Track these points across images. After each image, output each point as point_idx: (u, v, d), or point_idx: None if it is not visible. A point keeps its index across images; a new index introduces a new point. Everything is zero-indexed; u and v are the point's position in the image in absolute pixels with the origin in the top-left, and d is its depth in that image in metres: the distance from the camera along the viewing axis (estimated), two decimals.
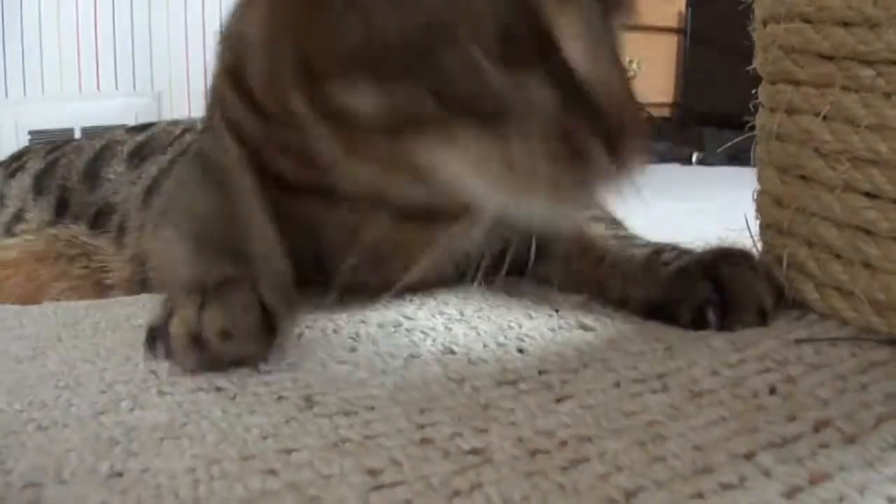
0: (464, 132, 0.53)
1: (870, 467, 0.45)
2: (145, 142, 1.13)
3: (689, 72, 2.77)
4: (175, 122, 1.18)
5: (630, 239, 0.80)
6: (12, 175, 1.17)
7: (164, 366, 0.63)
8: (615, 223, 0.86)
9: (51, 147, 1.24)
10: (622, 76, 0.55)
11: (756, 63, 0.74)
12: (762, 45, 0.73)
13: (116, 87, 2.40)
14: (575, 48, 0.52)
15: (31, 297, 1.00)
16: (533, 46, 0.52)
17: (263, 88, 0.63)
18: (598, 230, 0.82)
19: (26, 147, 1.33)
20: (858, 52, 0.63)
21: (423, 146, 0.55)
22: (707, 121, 2.50)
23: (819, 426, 0.49)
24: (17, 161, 1.21)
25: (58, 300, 0.98)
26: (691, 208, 1.61)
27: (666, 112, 2.80)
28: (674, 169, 2.55)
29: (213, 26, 2.42)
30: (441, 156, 0.55)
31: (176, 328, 0.59)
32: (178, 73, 2.43)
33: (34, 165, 1.17)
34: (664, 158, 2.63)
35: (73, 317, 0.79)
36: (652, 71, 2.78)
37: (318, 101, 0.57)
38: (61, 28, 2.33)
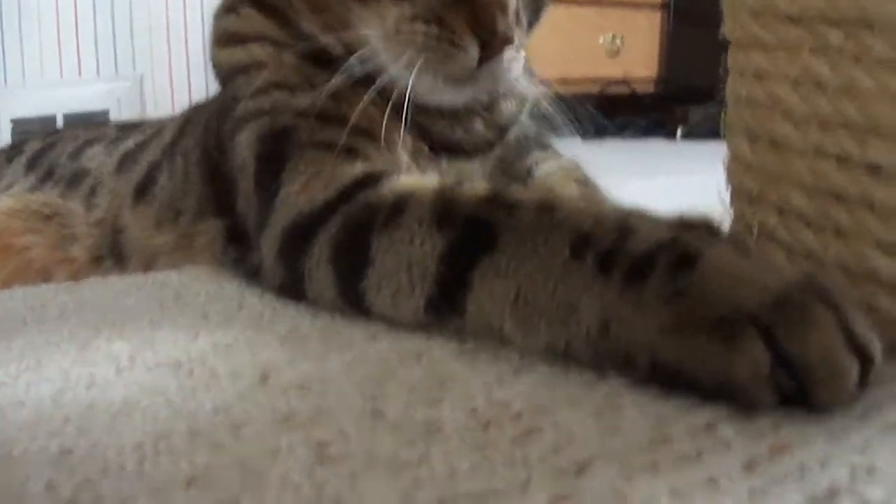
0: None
1: (833, 438, 0.44)
2: (126, 134, 1.17)
3: (673, 47, 2.74)
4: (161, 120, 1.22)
5: (599, 203, 0.81)
6: (10, 160, 1.24)
7: (123, 346, 0.62)
8: (589, 185, 0.87)
9: (51, 132, 1.35)
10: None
11: (724, 29, 0.72)
12: (730, 10, 0.71)
13: (98, 73, 2.37)
14: None
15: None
16: None
17: None
18: (571, 189, 0.84)
19: (24, 137, 1.41)
20: (826, 14, 0.62)
21: (354, 3, 0.76)
22: (691, 96, 2.48)
23: None
24: (15, 148, 1.29)
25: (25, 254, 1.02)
26: (670, 183, 1.60)
27: (650, 87, 2.77)
28: (657, 144, 2.53)
29: (194, 6, 2.39)
30: (362, 11, 0.75)
31: None
32: (160, 55, 2.40)
33: (32, 147, 1.25)
34: (648, 133, 2.61)
35: (40, 300, 0.78)
36: (635, 46, 2.75)
37: None
38: (41, 14, 2.30)
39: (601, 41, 2.71)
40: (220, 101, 0.88)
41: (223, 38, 0.87)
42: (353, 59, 0.75)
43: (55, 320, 0.72)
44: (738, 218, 0.71)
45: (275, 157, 0.75)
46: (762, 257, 0.56)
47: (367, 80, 0.75)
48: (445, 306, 0.58)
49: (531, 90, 0.87)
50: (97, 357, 0.60)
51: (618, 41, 2.70)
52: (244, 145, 0.78)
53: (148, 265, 0.96)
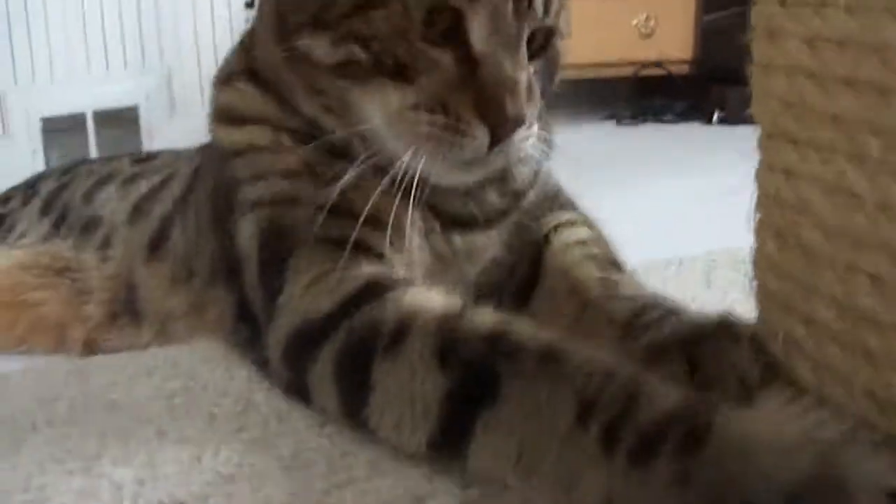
0: (382, 81, 0.69)
1: None
2: (140, 172, 1.15)
3: (708, 27, 2.60)
4: (176, 154, 1.19)
5: (618, 287, 0.77)
6: (25, 203, 1.23)
7: (127, 474, 0.61)
8: (609, 264, 0.83)
9: (66, 168, 1.31)
10: (518, 71, 0.68)
11: (752, 110, 0.67)
12: (759, 94, 0.66)
13: (125, 67, 2.35)
14: (477, 32, 0.68)
15: (13, 300, 1.04)
16: (449, 31, 0.68)
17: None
18: (589, 271, 0.80)
19: (41, 173, 1.40)
20: (866, 122, 0.56)
21: (354, 85, 0.71)
22: (728, 76, 2.35)
23: None
24: (31, 188, 1.27)
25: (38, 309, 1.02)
26: (702, 185, 1.55)
27: (685, 69, 2.65)
28: (693, 129, 2.43)
29: None
30: (363, 95, 0.71)
31: None
32: (188, 47, 2.37)
33: (47, 187, 1.23)
34: (683, 117, 2.51)
35: (50, 391, 0.78)
36: (669, 27, 2.62)
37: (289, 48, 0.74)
38: (66, 10, 2.28)
39: (634, 22, 2.60)
40: (222, 171, 0.85)
41: (222, 116, 0.84)
42: (362, 156, 0.71)
43: (63, 422, 0.71)
44: (764, 320, 0.67)
45: (277, 252, 0.72)
46: (779, 421, 0.52)
47: (373, 167, 0.72)
48: (447, 449, 0.57)
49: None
50: (101, 490, 0.60)
51: (651, 22, 2.59)
52: (246, 236, 0.76)
53: (163, 325, 0.96)
